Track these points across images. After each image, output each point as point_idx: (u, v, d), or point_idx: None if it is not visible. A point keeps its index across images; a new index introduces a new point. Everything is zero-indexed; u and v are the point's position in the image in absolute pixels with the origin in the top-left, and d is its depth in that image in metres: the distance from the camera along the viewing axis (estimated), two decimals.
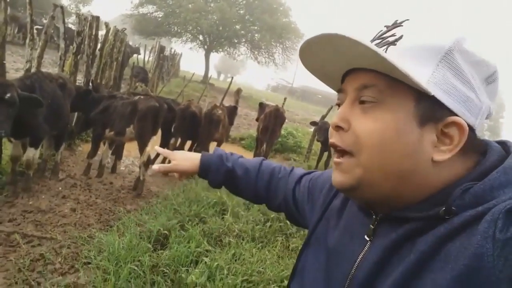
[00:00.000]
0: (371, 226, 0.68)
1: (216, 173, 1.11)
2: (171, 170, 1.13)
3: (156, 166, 1.12)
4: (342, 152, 0.66)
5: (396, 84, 0.60)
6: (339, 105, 0.71)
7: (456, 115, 0.60)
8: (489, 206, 0.53)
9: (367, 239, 0.67)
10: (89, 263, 2.83)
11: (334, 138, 0.67)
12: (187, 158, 1.14)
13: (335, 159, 0.68)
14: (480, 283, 0.48)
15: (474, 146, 0.63)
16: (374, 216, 0.68)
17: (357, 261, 0.66)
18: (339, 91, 0.70)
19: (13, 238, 2.95)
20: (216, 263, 2.84)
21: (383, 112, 0.61)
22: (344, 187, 0.66)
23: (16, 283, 2.45)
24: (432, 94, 0.58)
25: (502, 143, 0.67)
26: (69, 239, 3.14)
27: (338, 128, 0.65)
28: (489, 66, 0.63)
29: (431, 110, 0.59)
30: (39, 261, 2.75)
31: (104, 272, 2.65)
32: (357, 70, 0.65)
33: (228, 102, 9.43)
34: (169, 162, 1.15)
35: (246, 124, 13.07)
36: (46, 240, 3.06)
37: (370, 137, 0.61)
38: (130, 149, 5.90)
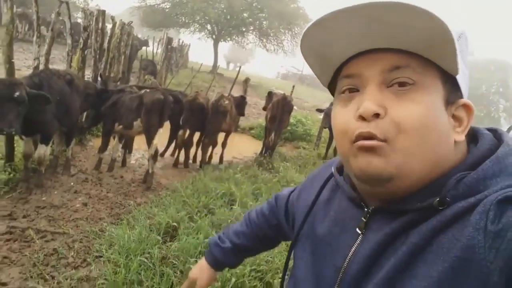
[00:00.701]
0: (363, 219, 0.67)
1: (227, 260, 1.12)
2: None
3: None
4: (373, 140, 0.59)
5: (427, 64, 0.58)
6: (347, 90, 0.65)
7: (463, 97, 0.63)
8: (480, 197, 0.53)
9: (359, 232, 0.66)
10: (101, 256, 2.89)
11: (368, 127, 0.58)
12: (202, 273, 1.12)
13: (361, 142, 0.59)
14: (472, 274, 0.48)
15: None
16: (366, 209, 0.67)
17: (349, 255, 0.66)
18: (348, 76, 0.64)
19: (28, 233, 3.04)
20: None
21: (422, 94, 0.58)
22: (383, 176, 0.58)
23: (31, 277, 2.53)
24: (458, 75, 0.59)
25: (493, 131, 0.67)
26: (81, 233, 3.22)
27: (374, 116, 0.58)
28: (468, 55, 0.66)
29: (451, 92, 0.61)
30: (53, 256, 2.83)
31: (115, 265, 2.71)
32: (376, 51, 0.60)
33: (238, 91, 9.42)
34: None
35: (256, 113, 13.03)
36: (59, 235, 3.14)
37: (414, 121, 0.56)
38: (140, 142, 5.97)
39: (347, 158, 0.64)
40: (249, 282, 2.68)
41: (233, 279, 2.62)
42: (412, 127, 0.56)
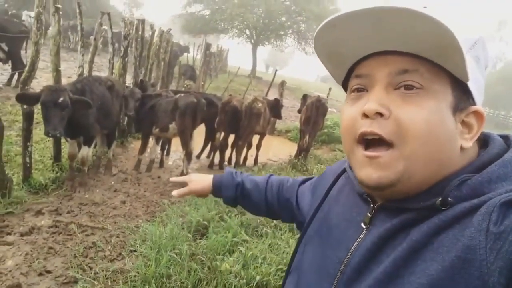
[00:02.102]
0: (368, 214, 0.69)
1: (227, 189, 1.15)
2: (188, 193, 1.18)
3: (174, 192, 1.16)
4: (375, 143, 0.61)
5: (436, 69, 0.59)
6: (356, 90, 0.66)
7: (475, 104, 0.62)
8: (484, 199, 0.53)
9: (364, 227, 0.68)
10: (135, 251, 3.06)
11: (371, 126, 0.60)
12: (201, 180, 1.18)
13: (366, 152, 0.62)
14: (471, 274, 0.49)
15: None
16: (372, 205, 0.69)
17: (352, 248, 0.67)
18: (358, 76, 0.66)
19: (71, 227, 3.27)
20: (250, 252, 2.92)
21: (428, 99, 0.58)
22: (383, 184, 0.60)
23: (72, 267, 2.73)
24: (469, 82, 0.59)
25: (505, 137, 0.66)
26: (118, 229, 3.41)
27: (376, 115, 0.59)
28: (488, 60, 0.66)
29: (461, 98, 0.61)
30: (92, 249, 3.03)
31: (146, 259, 2.85)
32: (387, 53, 0.61)
33: (275, 95, 9.47)
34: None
35: (293, 116, 12.99)
36: (98, 229, 3.35)
37: (418, 125, 0.57)
38: (179, 144, 6.18)
39: (349, 155, 0.67)
40: (274, 281, 2.71)
41: (258, 277, 2.66)
42: (415, 131, 0.57)
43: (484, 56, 0.64)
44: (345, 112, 0.67)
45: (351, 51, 0.65)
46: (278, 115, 6.99)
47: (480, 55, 0.62)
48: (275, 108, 6.84)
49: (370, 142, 0.62)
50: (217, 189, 1.17)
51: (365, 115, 0.61)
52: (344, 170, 0.84)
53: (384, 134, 0.59)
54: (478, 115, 0.62)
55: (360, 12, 0.57)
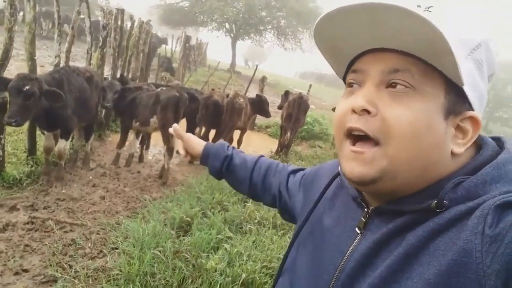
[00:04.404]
0: (362, 219, 0.68)
1: (214, 158, 1.14)
2: (180, 138, 1.21)
3: (171, 130, 1.21)
4: (363, 139, 0.61)
5: (429, 71, 0.58)
6: (350, 84, 0.67)
7: (472, 110, 0.61)
8: (479, 202, 0.53)
9: (358, 231, 0.68)
10: (116, 248, 2.98)
11: (358, 122, 0.60)
12: (196, 144, 1.19)
13: (353, 147, 0.62)
14: (468, 278, 0.48)
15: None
16: (366, 209, 0.68)
17: (347, 253, 0.66)
18: (354, 71, 0.66)
19: (48, 224, 3.15)
20: (235, 249, 2.91)
21: (416, 100, 0.57)
22: (365, 180, 0.61)
23: (51, 265, 2.63)
24: (464, 86, 0.58)
25: (497, 139, 0.67)
26: (98, 225, 3.31)
27: (364, 111, 0.60)
28: (494, 65, 0.65)
29: (455, 102, 0.60)
30: (71, 246, 2.93)
31: (129, 257, 2.78)
32: (383, 51, 0.61)
33: (255, 90, 9.46)
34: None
35: (273, 112, 12.93)
36: (77, 226, 3.24)
37: (402, 126, 0.57)
38: (158, 139, 6.06)
39: (338, 150, 0.68)
40: (259, 279, 2.70)
41: (244, 275, 2.65)
42: (399, 131, 0.57)
43: (489, 61, 0.63)
44: (338, 107, 0.67)
45: (349, 46, 0.65)
46: (265, 113, 7.00)
47: (482, 59, 0.61)
48: (257, 104, 6.83)
49: (359, 138, 0.62)
50: (204, 157, 1.17)
51: (354, 111, 0.61)
52: (338, 174, 0.83)
53: (368, 131, 0.59)
54: (474, 120, 0.61)
55: (356, 7, 0.56)
